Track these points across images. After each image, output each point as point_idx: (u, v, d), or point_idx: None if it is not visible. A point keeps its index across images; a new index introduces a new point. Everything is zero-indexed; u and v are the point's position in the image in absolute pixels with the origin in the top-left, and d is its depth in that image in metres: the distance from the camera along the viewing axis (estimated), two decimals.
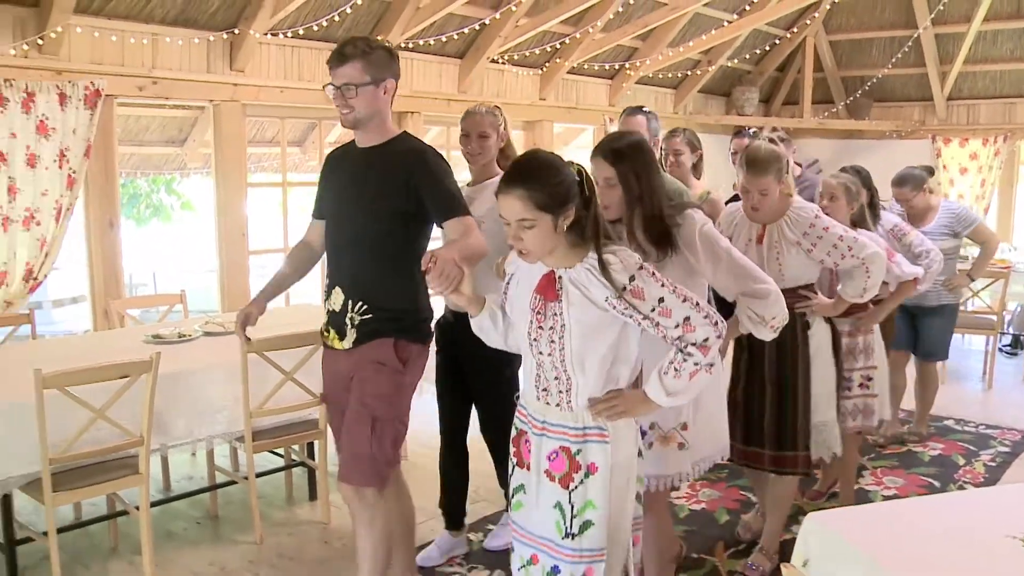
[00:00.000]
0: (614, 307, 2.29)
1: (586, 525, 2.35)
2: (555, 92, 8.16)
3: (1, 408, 3.32)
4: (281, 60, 6.13)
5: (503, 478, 3.78)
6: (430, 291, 2.55)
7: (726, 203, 4.24)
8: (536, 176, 2.30)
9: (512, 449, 2.55)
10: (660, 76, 9.13)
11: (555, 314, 2.35)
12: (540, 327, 2.38)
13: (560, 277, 2.37)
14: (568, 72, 8.08)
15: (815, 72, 10.09)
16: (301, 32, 6.02)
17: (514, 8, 6.72)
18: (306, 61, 6.25)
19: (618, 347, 2.37)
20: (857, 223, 4.05)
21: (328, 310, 3.13)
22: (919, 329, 5.33)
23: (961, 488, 4.70)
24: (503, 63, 7.50)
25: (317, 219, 3.30)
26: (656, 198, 2.83)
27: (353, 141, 3.13)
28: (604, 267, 2.29)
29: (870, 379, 4.12)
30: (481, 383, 3.75)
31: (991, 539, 2.14)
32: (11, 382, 3.51)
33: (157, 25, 5.44)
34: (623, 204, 2.84)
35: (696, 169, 4.56)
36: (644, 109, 4.40)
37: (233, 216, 6.00)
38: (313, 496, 4.53)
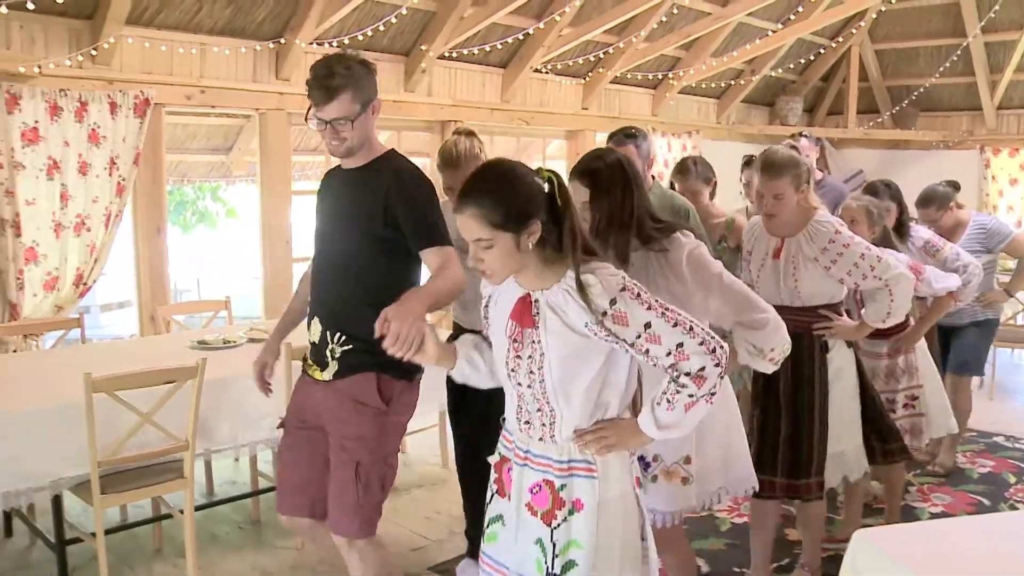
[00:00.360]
0: (595, 333, 2.04)
1: (569, 565, 2.11)
2: (598, 102, 8.16)
3: (53, 410, 3.38)
4: None
5: (471, 515, 3.70)
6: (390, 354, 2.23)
7: None
8: (491, 191, 2.05)
9: (493, 475, 2.32)
10: (703, 86, 9.09)
11: (533, 342, 2.11)
12: (518, 356, 2.15)
13: (536, 300, 2.12)
14: (611, 82, 8.08)
15: (860, 82, 9.98)
16: (346, 41, 6.07)
17: (557, 18, 6.73)
18: None
19: (607, 372, 2.12)
20: (884, 244, 3.84)
21: (309, 341, 2.92)
22: (951, 342, 5.06)
23: (1013, 508, 4.60)
24: (546, 72, 7.52)
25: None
26: (631, 220, 2.64)
27: (340, 164, 2.91)
28: (582, 288, 2.03)
29: (915, 398, 4.01)
30: (474, 408, 3.49)
31: None
32: (62, 385, 3.58)
33: (205, 35, 5.53)
34: (597, 226, 2.66)
35: (711, 196, 4.49)
36: (631, 131, 3.96)
37: (277, 223, 6.07)
38: None
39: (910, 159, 9.74)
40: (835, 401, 3.36)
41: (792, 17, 8.55)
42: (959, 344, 5.04)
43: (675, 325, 2.02)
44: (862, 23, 9.35)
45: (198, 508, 4.23)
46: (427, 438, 5.35)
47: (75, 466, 3.39)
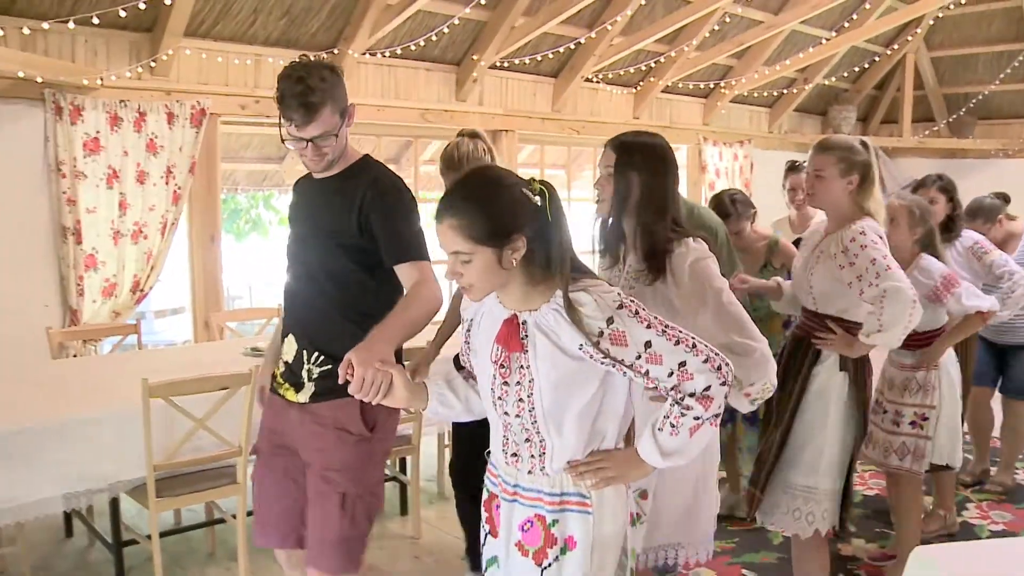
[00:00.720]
0: (590, 356, 1.85)
1: None
2: (649, 111, 8.13)
3: (111, 415, 3.44)
4: (378, 79, 6.25)
5: (470, 543, 3.59)
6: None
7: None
8: (472, 200, 1.86)
9: (484, 515, 2.12)
10: (755, 95, 9.02)
11: (521, 367, 1.92)
12: (505, 383, 1.95)
13: (524, 322, 1.93)
14: (662, 91, 8.05)
15: (915, 89, 9.84)
16: (399, 52, 6.13)
17: (609, 27, 6.73)
18: (402, 80, 6.36)
19: (602, 398, 1.93)
20: (925, 248, 3.67)
21: (283, 360, 2.68)
22: (1009, 363, 4.77)
23: None
24: (597, 82, 7.52)
25: None
26: (653, 209, 2.51)
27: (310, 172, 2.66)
28: (572, 308, 1.85)
29: (925, 419, 3.69)
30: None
31: None
32: (120, 390, 3.64)
33: (260, 46, 5.62)
34: (614, 204, 2.55)
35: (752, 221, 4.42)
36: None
37: None
38: (404, 511, 4.57)
39: (968, 168, 9.53)
40: (808, 423, 3.07)
41: (846, 25, 8.45)
42: (1015, 367, 4.76)
43: (677, 343, 1.84)
44: (918, 30, 9.21)
45: (250, 513, 4.27)
46: None
47: (132, 470, 3.44)
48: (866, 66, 9.68)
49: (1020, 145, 9.59)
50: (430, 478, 5.02)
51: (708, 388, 1.84)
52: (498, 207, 1.85)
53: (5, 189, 4.72)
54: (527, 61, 6.85)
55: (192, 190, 5.37)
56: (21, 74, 4.44)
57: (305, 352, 2.59)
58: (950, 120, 9.87)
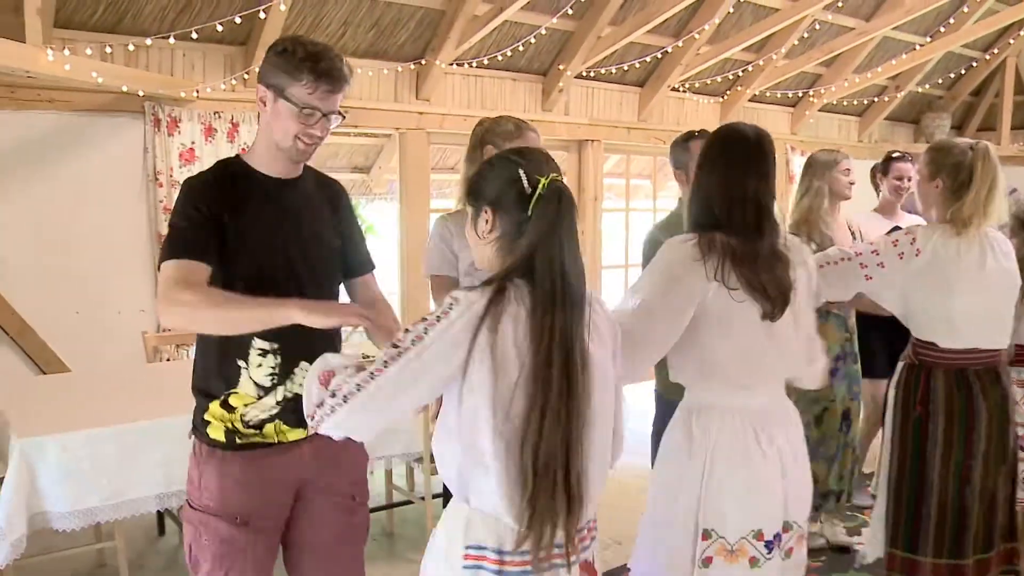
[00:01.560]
0: None
1: None
2: (736, 120, 8.01)
3: None
4: (465, 89, 6.31)
5: None
6: None
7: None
8: (483, 165, 1.90)
9: None
10: (844, 103, 8.83)
11: None
12: None
13: None
14: (749, 100, 7.94)
15: (1016, 95, 9.51)
16: (486, 62, 6.17)
17: (696, 36, 6.67)
18: (488, 90, 6.41)
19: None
20: None
21: (284, 396, 2.18)
22: None
23: None
24: (683, 91, 7.45)
25: None
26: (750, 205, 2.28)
27: (253, 167, 2.23)
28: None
29: None
30: None
31: None
32: None
33: (349, 57, 5.60)
34: None
35: None
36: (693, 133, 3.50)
37: (415, 240, 6.20)
38: None
39: None
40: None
41: (941, 30, 8.21)
42: None
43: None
44: (1022, 32, 8.88)
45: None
46: None
47: None
48: (962, 72, 9.39)
49: None
50: None
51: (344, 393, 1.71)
52: (483, 174, 1.84)
53: (108, 197, 4.90)
54: (613, 71, 6.83)
55: None
56: (124, 88, 4.61)
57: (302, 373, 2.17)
58: None
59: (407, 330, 1.71)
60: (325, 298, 2.20)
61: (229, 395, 2.16)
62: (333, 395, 1.73)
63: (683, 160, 3.31)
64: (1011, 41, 8.98)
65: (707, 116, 7.79)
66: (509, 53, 6.17)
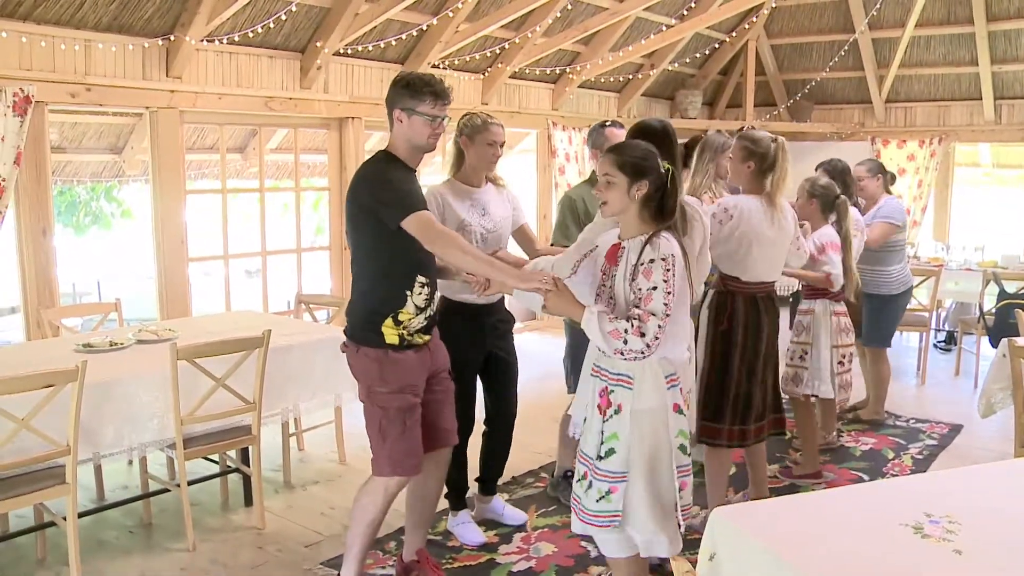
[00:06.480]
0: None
1: (610, 452, 2.90)
2: (497, 96, 8.21)
3: None
4: (219, 67, 6.11)
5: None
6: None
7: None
8: (627, 147, 2.96)
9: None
10: (603, 80, 9.22)
11: (613, 275, 2.93)
12: (603, 285, 2.97)
13: (624, 248, 2.92)
14: (510, 77, 8.13)
15: (757, 75, 10.25)
16: (237, 39, 6.00)
17: (451, 14, 6.76)
18: (244, 67, 6.23)
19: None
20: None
21: (429, 315, 3.34)
22: None
23: None
24: (444, 68, 7.53)
25: None
26: None
27: (405, 163, 3.29)
28: (647, 244, 2.84)
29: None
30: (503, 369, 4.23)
31: (887, 527, 2.21)
32: None
33: (90, 31, 5.40)
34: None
35: None
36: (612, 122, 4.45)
37: (171, 223, 5.97)
38: (248, 502, 4.51)
39: (807, 151, 9.99)
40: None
41: (686, 12, 8.72)
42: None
43: (664, 304, 2.76)
44: (756, 18, 9.59)
45: (85, 513, 4.16)
46: (323, 434, 5.35)
47: None
48: (709, 52, 10.02)
49: (852, 129, 10.15)
50: (275, 468, 4.97)
51: (644, 331, 2.73)
52: (640, 156, 2.89)
53: None
54: (371, 48, 6.81)
55: (19, 182, 5.13)
56: None
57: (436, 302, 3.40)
58: (789, 104, 10.34)
59: (664, 280, 2.78)
60: None
61: (398, 313, 3.23)
62: (644, 335, 2.74)
63: (600, 142, 4.24)
64: (746, 26, 9.67)
65: (469, 93, 7.92)
66: (261, 29, 6.02)
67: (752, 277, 3.96)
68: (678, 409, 2.92)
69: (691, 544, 3.30)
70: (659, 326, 2.74)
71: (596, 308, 2.85)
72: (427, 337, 3.36)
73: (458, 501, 4.20)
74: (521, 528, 4.24)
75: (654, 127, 3.38)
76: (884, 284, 5.71)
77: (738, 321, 3.95)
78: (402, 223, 3.09)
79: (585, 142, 4.62)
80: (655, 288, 2.75)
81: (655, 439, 2.89)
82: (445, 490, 4.02)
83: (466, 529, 4.16)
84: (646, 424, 2.88)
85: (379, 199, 3.15)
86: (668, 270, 2.77)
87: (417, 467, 3.33)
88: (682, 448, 2.93)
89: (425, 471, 3.48)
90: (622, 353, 2.78)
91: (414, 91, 3.16)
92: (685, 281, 2.89)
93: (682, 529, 3.02)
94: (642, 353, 2.76)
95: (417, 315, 3.27)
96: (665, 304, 2.75)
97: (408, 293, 3.24)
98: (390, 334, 3.24)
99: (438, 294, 3.38)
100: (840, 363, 4.79)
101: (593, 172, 4.34)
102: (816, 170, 5.34)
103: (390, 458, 3.28)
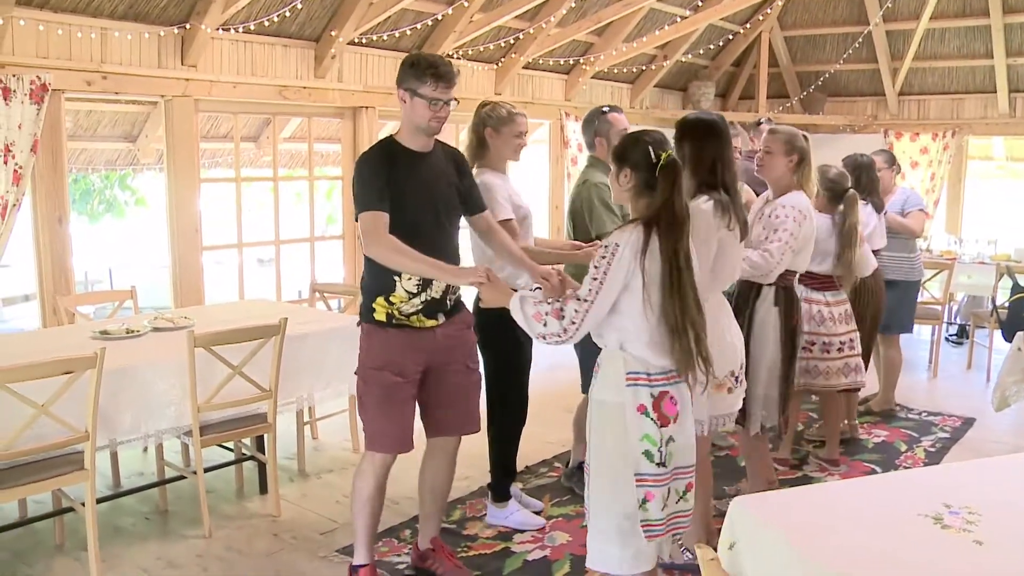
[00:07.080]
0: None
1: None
2: (511, 87, 8.20)
3: None
4: (234, 55, 6.12)
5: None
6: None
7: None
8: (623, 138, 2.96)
9: None
10: (616, 71, 9.20)
11: None
12: None
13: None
14: (523, 67, 8.12)
15: (770, 67, 10.21)
16: (252, 27, 6.01)
17: (465, 4, 6.75)
18: (259, 56, 6.24)
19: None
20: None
21: (430, 298, 3.31)
22: None
23: None
24: (458, 58, 7.52)
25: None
26: None
27: (404, 146, 3.29)
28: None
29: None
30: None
31: (907, 518, 2.22)
32: None
33: (106, 19, 5.41)
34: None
35: None
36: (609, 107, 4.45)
37: (186, 212, 5.99)
38: (264, 490, 4.55)
39: (820, 143, 9.86)
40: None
41: (701, 3, 8.69)
42: None
43: (587, 288, 2.72)
44: (770, 10, 9.55)
45: (102, 500, 4.19)
46: (338, 423, 5.37)
47: None
48: (723, 44, 9.98)
49: (865, 121, 10.11)
50: (289, 456, 4.99)
51: (563, 314, 2.74)
52: (625, 146, 2.86)
53: None
54: (386, 37, 6.81)
55: (36, 170, 5.15)
56: None
57: (449, 287, 3.34)
58: (802, 96, 10.31)
59: (595, 266, 2.73)
60: (452, 231, 3.40)
61: (389, 295, 3.27)
62: (563, 318, 2.74)
63: (604, 129, 4.27)
64: (760, 18, 9.62)
65: (482, 83, 7.91)
66: (277, 18, 6.02)
67: (803, 269, 4.11)
68: (643, 411, 2.74)
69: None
70: (576, 311, 2.71)
71: (521, 293, 2.86)
72: (431, 322, 3.33)
73: (502, 493, 4.19)
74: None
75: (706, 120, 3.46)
76: (909, 270, 5.92)
77: (800, 314, 4.15)
78: (357, 217, 3.19)
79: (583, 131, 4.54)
80: (589, 274, 2.73)
81: (613, 436, 2.78)
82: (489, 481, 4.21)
83: (519, 516, 4.17)
84: (605, 417, 2.81)
85: (353, 189, 3.25)
86: (603, 257, 2.71)
87: (394, 447, 3.34)
88: (647, 455, 2.72)
89: (431, 462, 3.56)
90: (544, 337, 2.78)
91: (417, 72, 3.17)
92: (632, 274, 2.70)
93: (666, 553, 3.00)
94: (558, 336, 2.75)
95: (410, 299, 3.28)
96: (590, 290, 2.70)
97: (396, 279, 3.25)
98: (380, 311, 3.30)
99: (439, 283, 3.30)
100: (840, 349, 4.72)
101: (593, 157, 4.37)
102: (842, 164, 5.36)
103: (367, 432, 3.38)
